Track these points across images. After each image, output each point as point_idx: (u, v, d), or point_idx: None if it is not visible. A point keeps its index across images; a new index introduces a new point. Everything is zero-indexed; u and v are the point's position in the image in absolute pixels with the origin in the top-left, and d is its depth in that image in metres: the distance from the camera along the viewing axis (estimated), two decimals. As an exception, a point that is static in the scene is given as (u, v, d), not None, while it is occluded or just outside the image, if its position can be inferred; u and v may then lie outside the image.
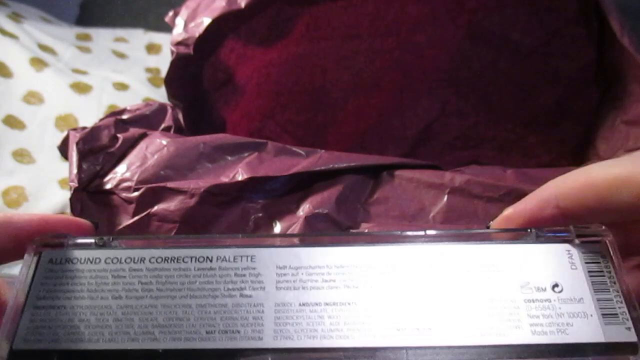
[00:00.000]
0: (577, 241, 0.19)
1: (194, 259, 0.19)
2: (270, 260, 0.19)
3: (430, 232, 0.20)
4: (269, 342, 0.18)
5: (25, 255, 0.19)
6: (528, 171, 0.31)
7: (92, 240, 0.20)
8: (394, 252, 0.19)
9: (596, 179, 0.18)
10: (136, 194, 0.30)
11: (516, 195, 0.29)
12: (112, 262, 0.19)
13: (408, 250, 0.19)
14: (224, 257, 0.19)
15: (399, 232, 0.20)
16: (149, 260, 0.19)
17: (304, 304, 0.18)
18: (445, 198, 0.30)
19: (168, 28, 0.40)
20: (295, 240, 0.21)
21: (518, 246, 0.19)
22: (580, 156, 0.45)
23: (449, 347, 0.18)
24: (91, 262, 0.19)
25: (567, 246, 0.19)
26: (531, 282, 0.19)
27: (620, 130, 0.40)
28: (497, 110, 0.47)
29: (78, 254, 0.19)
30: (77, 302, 0.18)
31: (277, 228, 0.29)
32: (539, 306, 0.18)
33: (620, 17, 0.38)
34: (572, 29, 0.43)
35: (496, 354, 0.17)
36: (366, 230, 0.29)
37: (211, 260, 0.19)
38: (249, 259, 0.19)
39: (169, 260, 0.19)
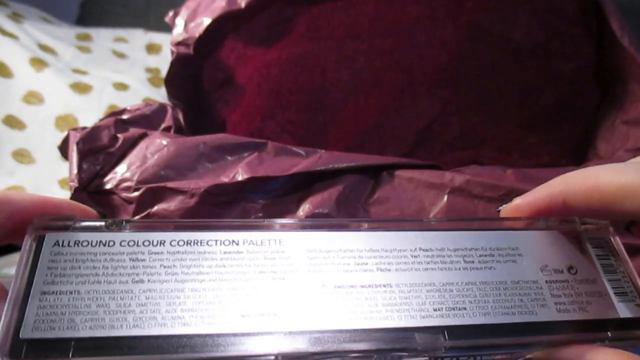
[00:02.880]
0: (582, 228, 0.21)
1: (219, 242, 0.19)
2: (299, 243, 0.19)
3: (453, 219, 0.21)
4: (308, 324, 0.17)
5: (25, 237, 0.18)
6: (528, 171, 0.31)
7: (102, 223, 0.19)
8: (421, 237, 0.20)
9: (602, 185, 0.19)
10: (136, 194, 0.30)
11: (516, 195, 0.29)
12: (129, 244, 0.18)
13: (434, 236, 0.20)
14: (251, 240, 0.19)
15: (424, 219, 0.21)
16: (170, 244, 0.18)
17: (339, 287, 0.18)
18: (445, 198, 0.30)
19: (168, 28, 0.40)
20: (322, 225, 0.20)
21: (533, 233, 0.21)
22: (580, 156, 0.45)
23: (484, 325, 0.18)
24: (104, 245, 0.18)
25: (574, 233, 0.21)
26: (549, 265, 0.20)
27: (620, 130, 0.40)
28: (497, 110, 0.47)
29: (88, 236, 0.18)
30: (92, 287, 0.17)
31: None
32: (559, 286, 0.20)
33: (620, 17, 0.38)
34: (572, 29, 0.43)
35: (529, 331, 0.18)
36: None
37: (238, 244, 0.19)
38: (277, 242, 0.19)
39: (192, 244, 0.19)
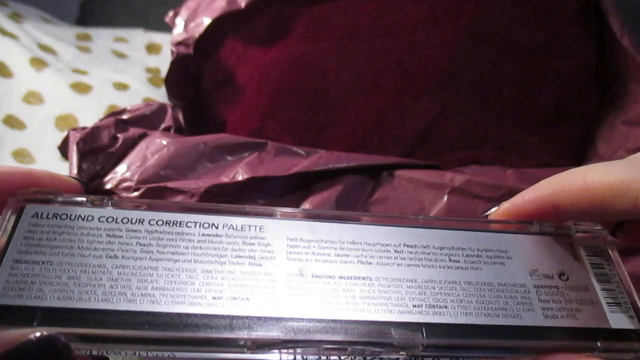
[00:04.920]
0: (577, 236, 0.21)
1: (198, 225, 0.19)
2: (280, 231, 0.19)
3: (442, 217, 0.21)
4: (282, 311, 0.17)
5: (5, 208, 0.18)
6: (528, 171, 0.31)
7: (84, 199, 0.19)
8: (407, 233, 0.20)
9: (591, 185, 0.18)
10: (136, 193, 0.30)
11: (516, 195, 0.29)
12: (107, 220, 0.18)
13: (420, 233, 0.20)
14: (231, 225, 0.19)
15: (411, 216, 0.21)
16: (149, 222, 0.18)
17: (317, 276, 0.18)
18: (445, 198, 0.30)
19: (168, 28, 0.40)
20: (305, 215, 0.20)
21: (525, 237, 0.20)
22: (580, 156, 0.45)
23: (465, 325, 0.18)
24: (82, 219, 0.18)
25: (569, 239, 0.20)
26: (539, 270, 0.20)
27: (620, 130, 0.40)
28: (497, 110, 0.47)
29: (68, 209, 0.18)
30: (65, 259, 0.17)
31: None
32: (548, 292, 0.19)
33: (620, 17, 0.38)
34: (572, 29, 0.43)
35: (513, 335, 0.18)
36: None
37: (217, 227, 0.19)
38: (258, 228, 0.19)
39: (171, 224, 0.19)
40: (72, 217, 0.18)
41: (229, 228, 0.19)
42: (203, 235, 0.18)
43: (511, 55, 0.45)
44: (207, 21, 0.37)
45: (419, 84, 0.47)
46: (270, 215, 0.19)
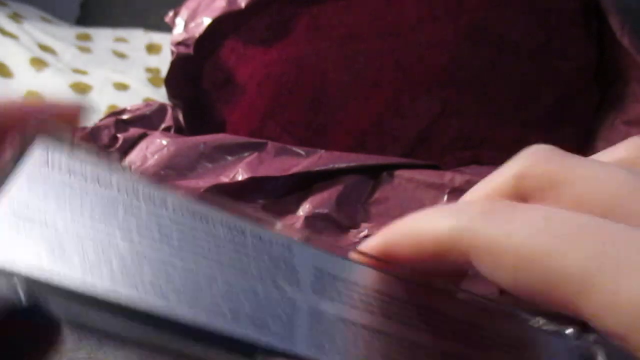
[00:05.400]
0: (597, 342, 0.18)
1: (226, 226, 0.16)
2: (308, 258, 0.17)
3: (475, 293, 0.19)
4: (300, 348, 0.15)
5: (7, 142, 0.14)
6: (528, 171, 0.31)
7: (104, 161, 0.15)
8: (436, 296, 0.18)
9: (420, 236, 0.16)
10: (136, 194, 0.30)
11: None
12: (127, 193, 0.15)
13: (451, 303, 0.18)
14: (259, 235, 0.16)
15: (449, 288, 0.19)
16: (173, 209, 0.16)
17: (340, 319, 0.16)
18: (445, 198, 0.30)
19: (168, 28, 0.40)
20: (336, 249, 0.18)
21: (552, 338, 0.18)
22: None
23: None
24: (99, 184, 0.15)
25: (587, 344, 0.18)
26: None
27: (620, 130, 0.40)
28: (497, 110, 0.47)
29: (83, 167, 0.15)
30: (72, 226, 0.14)
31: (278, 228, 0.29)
32: None
33: (620, 17, 0.38)
34: (572, 29, 0.43)
35: None
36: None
37: (244, 234, 0.16)
38: (286, 248, 0.17)
39: (197, 218, 0.16)
40: (89, 179, 0.15)
41: (256, 238, 0.16)
42: (229, 240, 0.16)
43: (511, 55, 0.45)
44: (207, 21, 0.37)
45: (419, 84, 0.47)
46: (300, 238, 0.18)
